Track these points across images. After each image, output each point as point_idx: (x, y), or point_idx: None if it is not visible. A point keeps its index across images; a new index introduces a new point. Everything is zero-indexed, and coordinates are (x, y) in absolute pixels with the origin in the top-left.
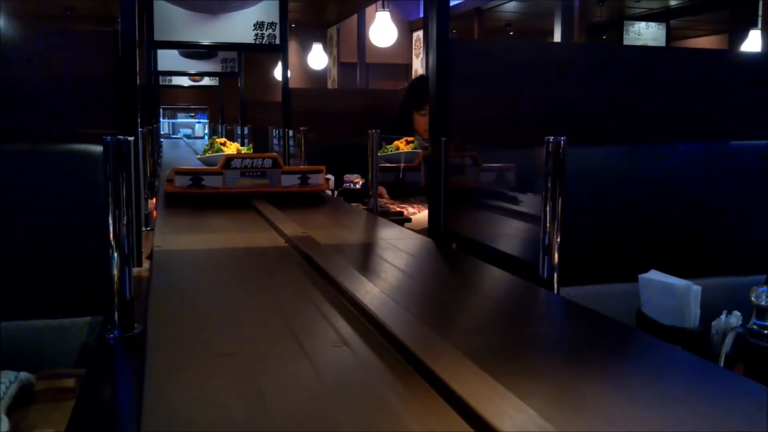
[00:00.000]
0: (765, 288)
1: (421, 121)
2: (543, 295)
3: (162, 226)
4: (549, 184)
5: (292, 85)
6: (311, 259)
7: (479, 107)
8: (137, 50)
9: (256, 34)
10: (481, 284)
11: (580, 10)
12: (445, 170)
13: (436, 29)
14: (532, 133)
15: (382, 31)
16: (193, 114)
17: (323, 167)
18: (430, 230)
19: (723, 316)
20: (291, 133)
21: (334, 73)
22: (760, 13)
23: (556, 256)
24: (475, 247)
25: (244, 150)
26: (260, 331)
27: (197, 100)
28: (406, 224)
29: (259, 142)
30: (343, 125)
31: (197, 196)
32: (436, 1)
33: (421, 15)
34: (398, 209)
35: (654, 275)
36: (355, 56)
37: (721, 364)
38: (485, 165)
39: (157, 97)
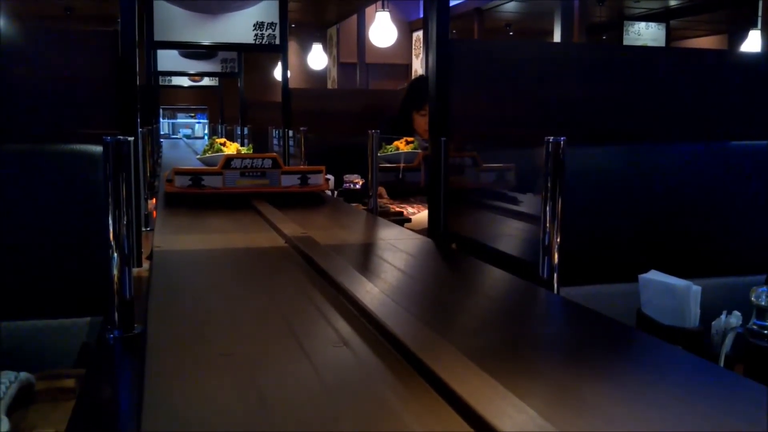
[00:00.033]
0: (765, 288)
1: (421, 122)
2: (543, 295)
3: (162, 226)
4: (549, 184)
5: (291, 85)
6: (311, 260)
7: (479, 107)
8: (137, 50)
9: (256, 35)
10: (481, 284)
11: (580, 11)
12: (444, 170)
13: (436, 29)
14: (532, 133)
15: (382, 31)
16: (192, 114)
17: (323, 167)
18: (429, 230)
19: (723, 316)
20: (291, 133)
21: (334, 73)
22: (759, 13)
23: (556, 256)
24: (475, 247)
25: (243, 150)
26: (260, 331)
27: (197, 100)
28: (406, 224)
29: (259, 143)
30: (343, 125)
31: (197, 197)
32: (436, 1)
33: (421, 15)
34: (398, 209)
35: (654, 275)
36: (354, 56)
37: (721, 364)
38: (485, 165)
39: (157, 97)
